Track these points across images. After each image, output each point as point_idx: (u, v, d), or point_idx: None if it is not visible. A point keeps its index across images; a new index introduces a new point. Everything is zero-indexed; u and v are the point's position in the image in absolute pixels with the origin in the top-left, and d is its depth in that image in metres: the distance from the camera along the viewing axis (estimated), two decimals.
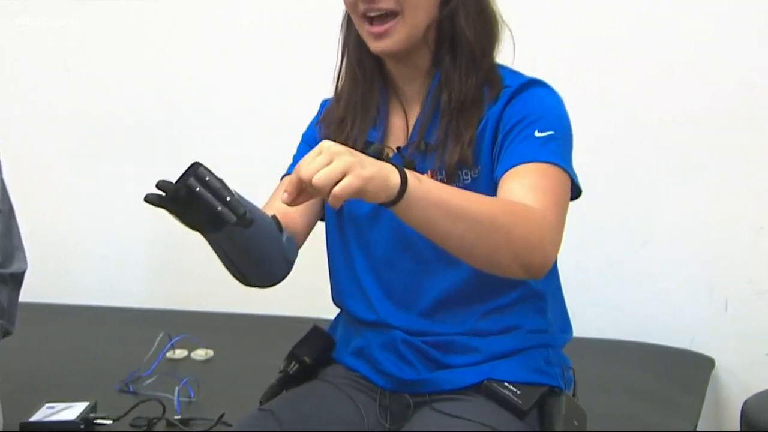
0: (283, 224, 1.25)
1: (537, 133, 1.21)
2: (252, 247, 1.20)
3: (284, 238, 1.25)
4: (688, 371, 2.00)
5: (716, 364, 2.08)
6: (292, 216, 1.30)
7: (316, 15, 2.29)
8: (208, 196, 1.04)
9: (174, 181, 1.06)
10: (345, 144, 1.28)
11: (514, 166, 1.20)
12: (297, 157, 1.40)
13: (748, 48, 2.06)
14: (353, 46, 1.32)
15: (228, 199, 1.04)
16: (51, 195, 2.62)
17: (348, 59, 1.33)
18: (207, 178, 1.05)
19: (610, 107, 2.12)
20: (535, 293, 1.32)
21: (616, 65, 2.13)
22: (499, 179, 1.22)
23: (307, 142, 1.40)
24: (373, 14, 1.24)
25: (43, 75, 2.59)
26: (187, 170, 1.06)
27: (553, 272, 1.35)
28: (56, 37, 2.55)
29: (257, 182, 2.50)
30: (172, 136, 2.49)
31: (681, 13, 2.08)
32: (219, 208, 1.03)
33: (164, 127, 2.50)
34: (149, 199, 1.06)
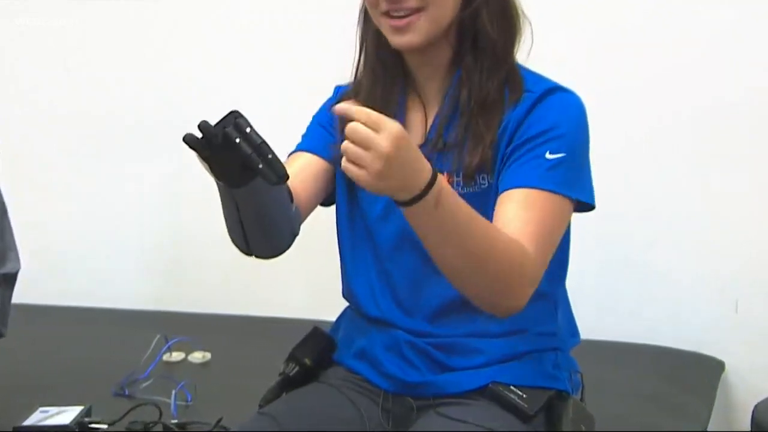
0: None
1: (548, 155, 1.19)
2: (267, 209, 1.19)
3: (293, 208, 1.24)
4: (697, 374, 1.98)
5: (726, 367, 2.06)
6: (296, 191, 1.28)
7: (316, 15, 2.30)
8: (248, 150, 1.02)
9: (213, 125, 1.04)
10: None
11: (516, 187, 1.19)
12: (306, 137, 1.38)
13: (755, 48, 2.03)
14: (371, 40, 1.30)
15: (269, 156, 1.02)
16: (49, 194, 2.62)
17: (367, 54, 1.31)
18: (247, 130, 1.02)
19: (615, 105, 2.10)
20: (545, 295, 1.29)
21: (621, 63, 2.11)
22: (500, 193, 1.20)
23: (321, 123, 1.37)
24: (396, 14, 1.21)
25: (43, 75, 2.59)
26: (225, 117, 1.04)
27: (561, 275, 1.33)
28: (56, 37, 2.55)
29: None
30: (171, 136, 2.48)
31: (687, 14, 2.06)
32: (260, 166, 1.01)
33: (164, 127, 2.50)
34: (186, 139, 1.04)
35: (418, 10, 1.20)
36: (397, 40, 1.23)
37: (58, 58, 2.55)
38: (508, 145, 1.22)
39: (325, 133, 1.35)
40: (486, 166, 1.21)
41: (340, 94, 1.37)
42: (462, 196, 1.21)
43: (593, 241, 2.09)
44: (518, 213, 1.16)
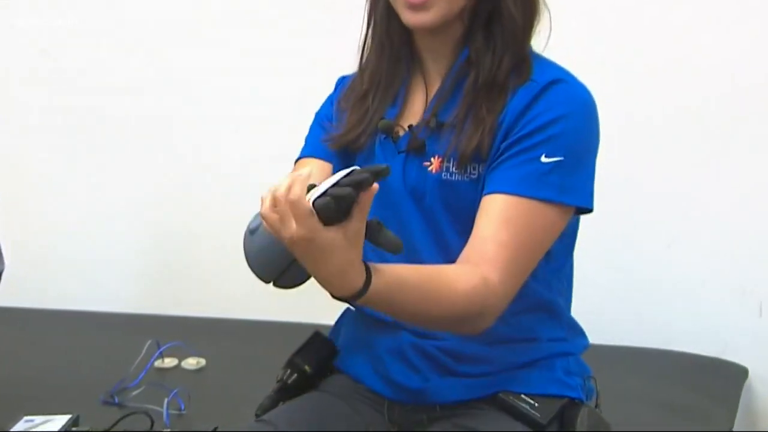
0: None
1: (544, 158, 1.19)
2: None
3: None
4: (719, 381, 1.98)
5: (750, 373, 2.05)
6: None
7: (314, 15, 2.29)
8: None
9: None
10: (362, 119, 1.29)
11: (503, 193, 1.19)
12: (309, 138, 1.39)
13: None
14: (381, 15, 1.29)
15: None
16: (33, 192, 2.62)
17: (375, 30, 1.31)
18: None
19: (632, 99, 2.10)
20: (547, 304, 1.30)
21: (639, 60, 2.11)
22: (486, 194, 1.20)
23: (321, 123, 1.38)
24: None
25: (28, 69, 2.58)
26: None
27: (561, 280, 1.33)
28: (45, 31, 2.54)
29: (244, 180, 2.46)
30: (162, 133, 2.51)
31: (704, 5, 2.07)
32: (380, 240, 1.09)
33: (159, 125, 2.52)
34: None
35: None
36: (411, 18, 1.22)
37: (47, 52, 2.55)
38: (504, 139, 1.22)
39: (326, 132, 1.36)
40: (482, 153, 1.21)
41: (346, 83, 1.37)
42: (450, 183, 1.23)
43: (610, 243, 2.10)
44: (496, 232, 1.18)
